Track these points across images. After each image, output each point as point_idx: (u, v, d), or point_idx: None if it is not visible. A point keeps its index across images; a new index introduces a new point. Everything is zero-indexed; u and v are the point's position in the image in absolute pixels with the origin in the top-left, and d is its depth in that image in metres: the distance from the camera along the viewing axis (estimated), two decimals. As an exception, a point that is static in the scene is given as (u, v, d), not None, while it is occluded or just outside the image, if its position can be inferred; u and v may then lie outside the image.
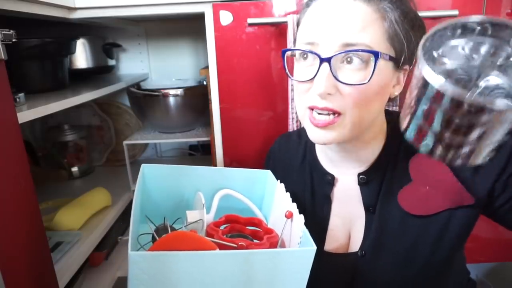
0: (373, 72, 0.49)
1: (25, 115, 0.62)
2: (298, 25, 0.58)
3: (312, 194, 0.66)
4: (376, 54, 0.48)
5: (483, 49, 0.42)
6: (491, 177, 0.53)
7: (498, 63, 0.41)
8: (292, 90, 0.84)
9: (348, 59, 0.50)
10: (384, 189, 0.59)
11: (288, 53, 0.57)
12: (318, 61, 0.50)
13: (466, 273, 0.71)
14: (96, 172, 1.28)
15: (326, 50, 0.50)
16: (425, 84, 0.40)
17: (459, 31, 0.42)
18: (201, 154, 1.41)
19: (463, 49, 0.43)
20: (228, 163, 0.93)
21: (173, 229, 0.56)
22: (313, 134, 0.55)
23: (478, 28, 0.41)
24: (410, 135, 0.48)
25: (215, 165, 0.93)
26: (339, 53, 0.49)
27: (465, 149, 0.41)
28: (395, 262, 0.58)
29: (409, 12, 0.52)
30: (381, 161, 0.60)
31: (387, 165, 0.59)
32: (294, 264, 0.45)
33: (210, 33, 0.84)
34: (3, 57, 0.52)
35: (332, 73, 0.49)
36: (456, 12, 0.78)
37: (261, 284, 0.45)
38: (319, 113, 0.52)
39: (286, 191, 0.60)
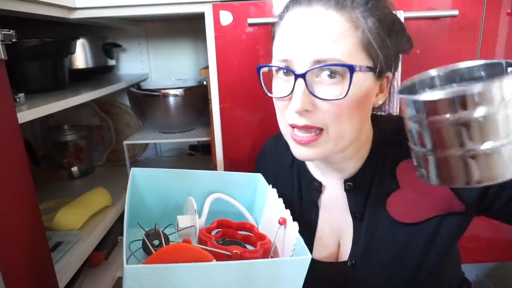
0: (349, 86, 0.47)
1: (25, 115, 0.61)
2: (273, 38, 0.56)
3: (300, 199, 0.65)
4: (351, 68, 0.47)
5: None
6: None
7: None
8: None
9: (323, 74, 0.48)
10: (372, 196, 0.58)
11: (265, 68, 0.55)
12: (293, 77, 0.49)
13: (460, 275, 0.69)
14: (96, 172, 1.28)
15: (300, 66, 0.48)
16: (406, 112, 0.40)
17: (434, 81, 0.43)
18: (201, 154, 1.41)
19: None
20: (228, 163, 0.93)
21: (165, 235, 0.55)
22: (296, 150, 0.53)
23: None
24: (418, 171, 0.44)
25: (215, 165, 0.93)
26: (312, 69, 0.47)
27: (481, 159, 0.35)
28: (385, 271, 0.57)
29: (386, 17, 0.50)
30: (368, 168, 0.58)
31: (374, 172, 0.58)
32: (289, 272, 0.45)
33: (210, 33, 0.84)
34: (3, 57, 0.52)
35: (308, 88, 0.48)
36: (456, 12, 0.77)
37: None
38: (300, 130, 0.51)
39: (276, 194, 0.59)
